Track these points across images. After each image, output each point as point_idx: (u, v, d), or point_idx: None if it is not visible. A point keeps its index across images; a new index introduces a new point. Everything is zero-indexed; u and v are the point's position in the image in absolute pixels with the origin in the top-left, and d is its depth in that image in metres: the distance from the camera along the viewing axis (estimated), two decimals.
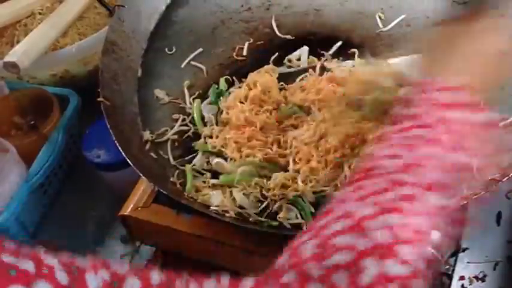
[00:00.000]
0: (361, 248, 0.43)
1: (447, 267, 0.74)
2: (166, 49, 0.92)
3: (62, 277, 0.37)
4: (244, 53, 0.88)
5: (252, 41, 0.90)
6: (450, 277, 0.74)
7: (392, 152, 0.50)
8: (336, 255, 0.43)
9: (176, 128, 0.82)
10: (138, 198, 0.78)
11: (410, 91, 0.54)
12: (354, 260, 0.43)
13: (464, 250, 0.79)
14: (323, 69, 0.83)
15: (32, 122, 1.01)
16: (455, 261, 0.74)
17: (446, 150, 0.49)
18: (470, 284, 0.77)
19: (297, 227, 0.68)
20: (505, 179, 0.64)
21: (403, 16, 0.86)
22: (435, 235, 0.47)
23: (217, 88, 0.84)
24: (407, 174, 0.48)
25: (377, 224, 0.44)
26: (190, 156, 0.79)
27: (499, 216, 0.83)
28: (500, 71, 0.58)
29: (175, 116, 0.84)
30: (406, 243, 0.44)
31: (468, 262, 0.79)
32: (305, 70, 0.84)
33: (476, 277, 0.78)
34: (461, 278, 0.78)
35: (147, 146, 0.81)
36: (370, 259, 0.43)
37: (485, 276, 0.78)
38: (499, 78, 0.59)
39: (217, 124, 0.81)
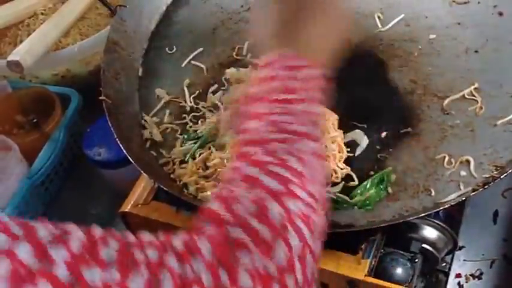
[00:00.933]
0: (259, 194, 0.47)
1: (444, 264, 0.73)
2: (166, 48, 0.92)
3: (15, 230, 0.38)
4: (244, 52, 0.88)
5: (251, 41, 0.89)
6: (447, 275, 0.73)
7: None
8: (243, 203, 0.46)
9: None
10: (138, 195, 0.78)
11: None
12: (259, 205, 0.46)
13: (460, 248, 0.79)
14: None
15: (34, 121, 1.01)
16: (452, 259, 0.74)
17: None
18: (466, 282, 0.77)
19: None
20: (503, 176, 0.64)
21: (402, 16, 0.86)
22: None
23: None
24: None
25: (267, 176, 0.48)
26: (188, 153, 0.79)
27: (495, 214, 0.83)
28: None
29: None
30: (297, 185, 0.48)
31: (465, 260, 0.79)
32: None
33: (472, 275, 0.78)
34: (458, 275, 0.78)
35: (148, 144, 0.81)
36: (271, 202, 0.46)
37: (481, 274, 0.78)
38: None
39: None
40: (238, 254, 0.43)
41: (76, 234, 0.40)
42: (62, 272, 0.37)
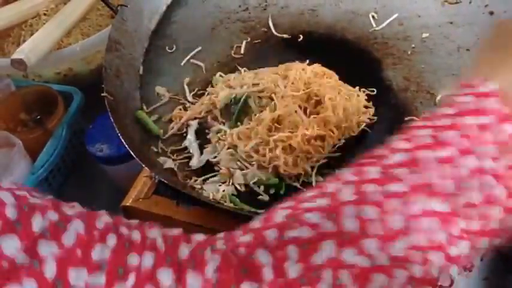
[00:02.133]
0: (325, 229, 0.41)
1: None
2: (166, 47, 0.92)
3: (11, 213, 0.37)
4: (242, 51, 0.89)
5: (249, 39, 0.90)
6: None
7: (404, 146, 0.45)
8: (300, 229, 0.41)
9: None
10: (139, 189, 0.78)
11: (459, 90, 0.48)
12: (313, 238, 0.41)
13: None
14: None
15: (38, 118, 1.02)
16: None
17: (459, 154, 0.43)
18: (457, 275, 0.77)
19: None
20: None
21: (395, 15, 0.87)
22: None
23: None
24: (405, 170, 0.43)
25: (350, 212, 0.42)
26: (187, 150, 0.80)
27: None
28: None
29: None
30: (373, 238, 0.41)
31: None
32: None
33: (463, 267, 0.78)
34: None
35: (149, 140, 0.82)
36: (329, 242, 0.40)
37: (471, 266, 0.78)
38: None
39: None
40: (246, 283, 0.39)
41: (75, 225, 0.39)
42: (49, 269, 0.36)
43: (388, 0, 0.89)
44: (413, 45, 0.83)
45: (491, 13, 0.83)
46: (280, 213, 0.44)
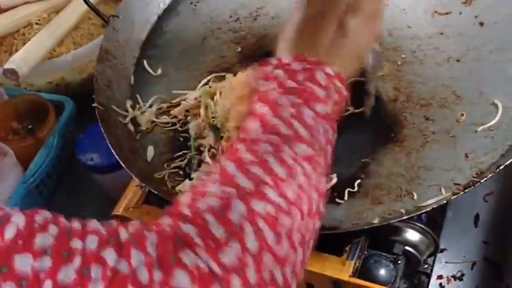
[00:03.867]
0: (227, 193, 0.46)
1: (426, 266, 0.73)
2: (157, 57, 0.91)
3: None
4: (233, 60, 0.88)
5: (240, 49, 0.89)
6: (429, 276, 0.73)
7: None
8: (207, 199, 0.46)
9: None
10: (130, 199, 0.77)
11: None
12: (223, 203, 0.45)
13: (442, 250, 0.79)
14: None
15: (29, 127, 1.01)
16: (434, 261, 0.74)
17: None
18: (448, 283, 0.77)
19: None
20: (483, 180, 0.63)
21: (385, 26, 0.86)
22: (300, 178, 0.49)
23: None
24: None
25: (243, 175, 0.48)
26: (179, 159, 0.78)
27: (476, 218, 0.82)
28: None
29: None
30: (271, 187, 0.47)
31: (446, 262, 0.79)
32: None
33: (454, 276, 0.77)
34: (439, 277, 0.77)
35: (139, 150, 0.80)
36: (237, 200, 0.46)
37: (462, 275, 0.77)
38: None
39: None
40: (182, 252, 0.42)
41: (16, 219, 0.40)
42: None
43: None
44: (403, 56, 0.82)
45: (481, 24, 0.82)
46: (185, 195, 0.48)
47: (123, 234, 0.43)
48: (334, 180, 0.70)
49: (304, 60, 0.56)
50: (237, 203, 0.45)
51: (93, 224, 0.43)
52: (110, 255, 0.40)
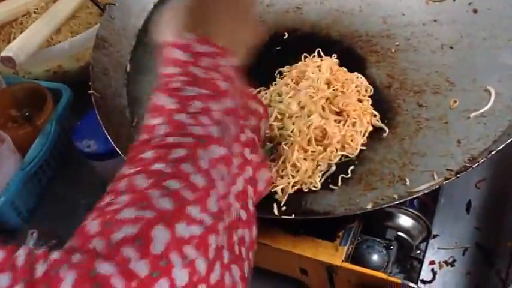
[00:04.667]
0: (148, 217, 0.40)
1: (418, 252, 0.73)
2: (153, 45, 0.91)
3: None
4: None
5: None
6: (421, 262, 0.73)
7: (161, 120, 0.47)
8: (123, 228, 0.39)
9: None
10: None
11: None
12: (142, 231, 0.39)
13: (435, 236, 0.79)
14: None
15: (27, 114, 1.01)
16: (426, 246, 0.74)
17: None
18: (440, 269, 0.77)
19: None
20: (474, 165, 0.63)
21: (380, 13, 0.86)
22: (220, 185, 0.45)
23: None
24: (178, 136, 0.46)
25: (157, 194, 0.41)
26: None
27: (468, 204, 0.83)
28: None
29: None
30: (193, 204, 0.42)
31: (438, 248, 0.79)
32: None
33: (446, 262, 0.78)
34: (432, 262, 0.78)
35: (136, 137, 0.80)
36: (158, 226, 0.39)
37: (454, 261, 0.78)
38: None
39: None
40: None
41: None
42: None
43: None
44: (397, 43, 0.82)
45: (475, 11, 0.82)
46: (92, 223, 0.41)
47: (40, 269, 0.38)
48: (333, 168, 0.70)
49: (208, 43, 0.51)
50: (159, 231, 0.39)
51: (18, 253, 0.39)
52: None
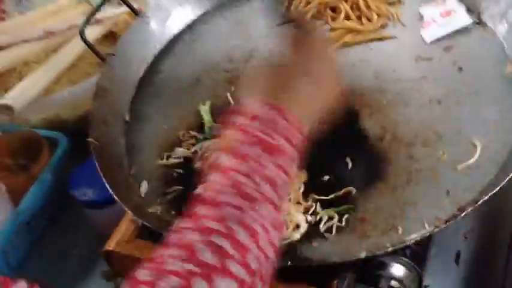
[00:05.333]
0: (191, 270, 0.44)
1: None
2: (153, 95, 0.94)
3: None
4: (227, 100, 0.90)
5: (233, 89, 0.91)
6: None
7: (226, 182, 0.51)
8: (170, 279, 0.44)
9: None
10: (122, 234, 0.77)
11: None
12: (185, 284, 0.43)
13: (426, 287, 0.80)
14: None
15: (23, 163, 1.01)
16: None
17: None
18: None
19: None
20: (463, 214, 0.66)
21: (372, 70, 0.90)
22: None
23: None
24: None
25: (205, 247, 0.46)
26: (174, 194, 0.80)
27: (457, 256, 0.84)
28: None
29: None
30: (235, 260, 0.46)
31: None
32: None
33: None
34: None
35: (134, 186, 0.82)
36: (199, 278, 0.44)
37: None
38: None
39: None
40: None
41: None
42: None
43: (366, 55, 0.92)
44: (388, 97, 0.86)
45: (460, 69, 0.87)
46: (143, 271, 0.45)
47: None
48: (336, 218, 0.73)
49: (276, 109, 0.56)
50: (200, 284, 0.44)
51: None
52: None
